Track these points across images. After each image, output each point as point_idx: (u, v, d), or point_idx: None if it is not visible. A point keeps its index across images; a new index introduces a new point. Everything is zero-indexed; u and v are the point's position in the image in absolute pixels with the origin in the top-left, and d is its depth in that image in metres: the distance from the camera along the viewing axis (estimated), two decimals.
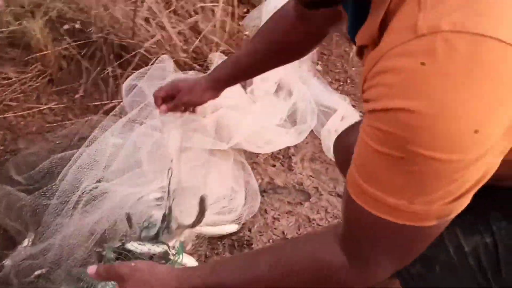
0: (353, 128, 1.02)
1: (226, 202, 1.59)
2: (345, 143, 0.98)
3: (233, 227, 1.51)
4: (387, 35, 0.51)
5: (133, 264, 0.82)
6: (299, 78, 2.00)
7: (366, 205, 0.57)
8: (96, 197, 1.40)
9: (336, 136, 1.12)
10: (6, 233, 1.35)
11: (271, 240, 1.52)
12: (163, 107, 1.27)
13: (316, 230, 1.53)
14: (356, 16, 0.60)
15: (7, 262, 1.27)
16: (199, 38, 2.02)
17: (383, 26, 0.53)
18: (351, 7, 0.64)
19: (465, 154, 0.49)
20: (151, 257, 1.21)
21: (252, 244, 1.49)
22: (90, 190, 1.43)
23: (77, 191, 1.39)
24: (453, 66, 0.46)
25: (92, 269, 0.85)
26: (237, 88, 1.85)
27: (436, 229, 0.57)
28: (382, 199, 0.55)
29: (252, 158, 1.85)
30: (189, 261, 1.33)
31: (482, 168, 0.52)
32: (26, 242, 1.30)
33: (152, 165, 1.61)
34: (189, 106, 1.36)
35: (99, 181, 1.49)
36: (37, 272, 1.25)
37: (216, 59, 2.03)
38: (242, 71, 1.17)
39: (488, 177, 0.53)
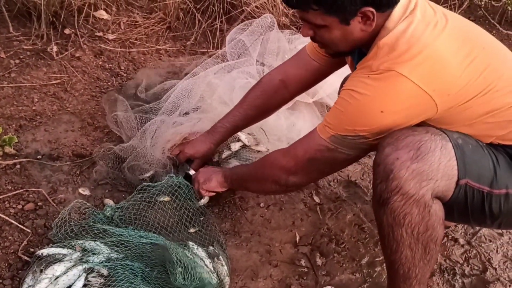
0: None
1: None
2: None
3: None
4: (363, 66, 1.11)
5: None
6: None
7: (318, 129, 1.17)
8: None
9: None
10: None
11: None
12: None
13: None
14: (360, 57, 1.18)
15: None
16: None
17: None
18: (357, 53, 1.23)
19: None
20: None
21: None
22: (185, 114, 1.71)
23: (176, 111, 1.67)
24: (382, 83, 1.05)
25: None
26: None
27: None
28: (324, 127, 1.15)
29: None
30: None
31: None
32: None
33: None
34: None
35: (196, 108, 1.76)
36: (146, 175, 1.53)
37: None
38: (239, 130, 1.58)
39: None
